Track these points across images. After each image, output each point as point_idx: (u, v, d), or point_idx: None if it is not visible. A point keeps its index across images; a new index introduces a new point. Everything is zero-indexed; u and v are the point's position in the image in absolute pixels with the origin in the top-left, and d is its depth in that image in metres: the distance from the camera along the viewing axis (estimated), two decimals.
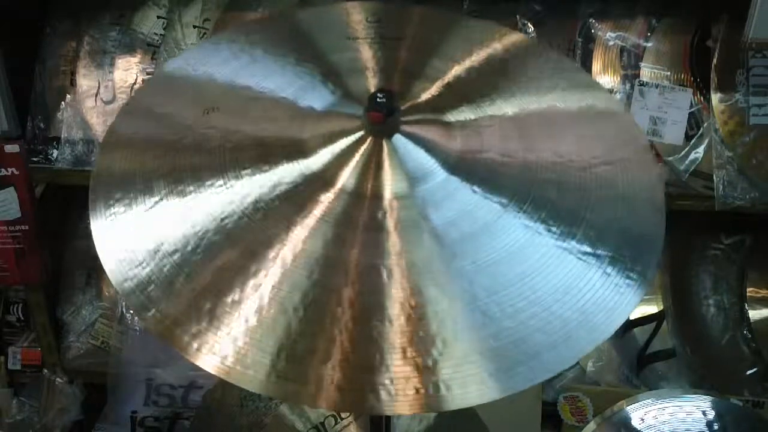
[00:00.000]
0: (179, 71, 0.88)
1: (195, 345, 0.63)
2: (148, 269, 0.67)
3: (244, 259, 0.67)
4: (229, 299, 0.65)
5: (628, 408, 1.29)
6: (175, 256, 0.67)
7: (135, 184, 0.73)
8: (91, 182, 0.74)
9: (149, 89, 0.90)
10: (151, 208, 0.71)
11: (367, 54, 0.87)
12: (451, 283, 0.65)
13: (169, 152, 0.76)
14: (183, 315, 0.64)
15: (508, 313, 0.64)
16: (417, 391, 0.60)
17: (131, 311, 1.43)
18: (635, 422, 1.27)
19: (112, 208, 0.71)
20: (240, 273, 0.66)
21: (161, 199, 0.71)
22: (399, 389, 0.60)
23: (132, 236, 0.69)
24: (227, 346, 0.62)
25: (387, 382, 0.61)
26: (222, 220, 0.69)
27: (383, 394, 0.60)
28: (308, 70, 0.85)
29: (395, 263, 0.66)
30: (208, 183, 0.72)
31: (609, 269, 0.68)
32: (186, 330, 0.63)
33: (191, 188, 0.72)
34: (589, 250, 0.69)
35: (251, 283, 0.65)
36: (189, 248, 0.68)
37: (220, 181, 0.72)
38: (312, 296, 0.64)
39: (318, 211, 0.69)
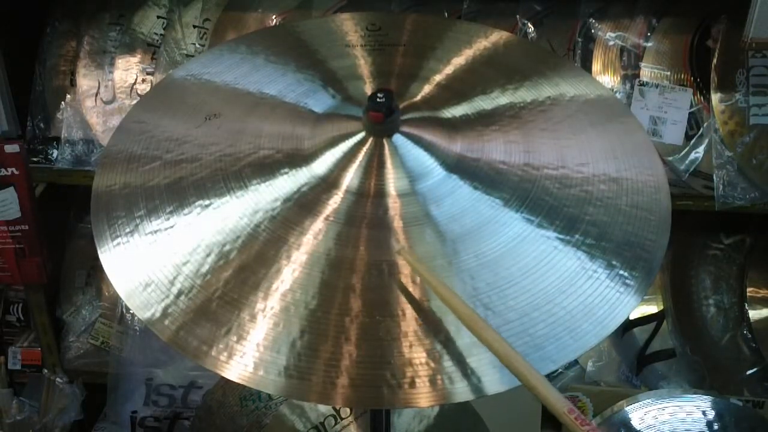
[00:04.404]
0: (180, 82, 0.89)
1: (212, 352, 0.63)
2: (164, 296, 0.67)
3: (256, 265, 0.67)
4: (241, 304, 0.65)
5: (628, 408, 1.29)
6: (186, 267, 0.68)
7: (138, 202, 0.73)
8: (93, 198, 0.74)
9: (149, 101, 0.91)
10: (158, 227, 0.71)
11: (365, 60, 0.88)
12: (454, 278, 0.66)
13: (171, 165, 0.76)
14: (197, 323, 0.65)
15: (510, 306, 0.64)
16: (423, 384, 0.61)
17: (131, 311, 1.43)
18: (635, 422, 1.27)
19: (117, 232, 0.71)
20: (251, 278, 0.66)
21: (168, 217, 0.71)
22: (406, 383, 0.61)
23: (143, 262, 0.69)
24: (242, 350, 0.63)
25: (394, 376, 0.61)
26: (231, 229, 0.70)
27: (390, 389, 0.61)
28: (309, 76, 0.86)
29: (400, 259, 0.67)
30: (213, 194, 0.72)
31: (614, 262, 0.69)
32: (199, 336, 0.64)
33: (197, 201, 0.72)
34: (592, 243, 0.69)
35: (263, 286, 0.66)
36: (199, 259, 0.68)
37: (226, 192, 0.72)
38: (322, 296, 0.65)
39: (325, 213, 0.70)
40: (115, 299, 1.51)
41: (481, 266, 0.67)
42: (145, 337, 1.43)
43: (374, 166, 0.73)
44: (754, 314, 1.38)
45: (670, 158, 1.25)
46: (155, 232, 0.71)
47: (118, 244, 0.70)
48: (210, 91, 0.86)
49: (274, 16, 1.38)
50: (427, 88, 0.84)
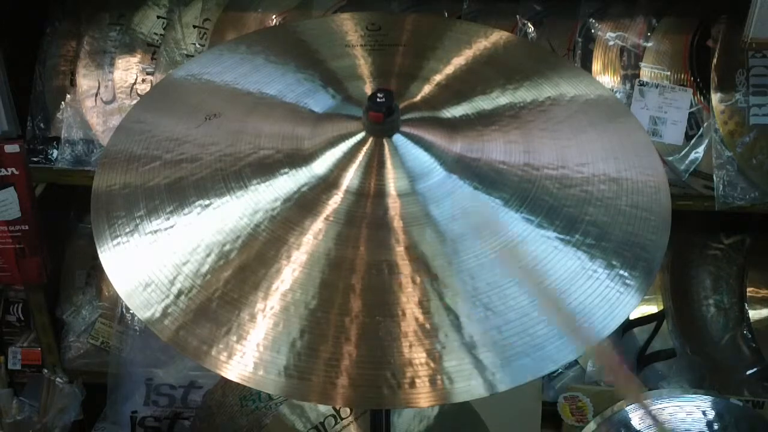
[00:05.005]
0: (180, 82, 0.89)
1: (212, 352, 0.63)
2: (164, 296, 0.67)
3: (256, 265, 0.67)
4: (241, 304, 0.65)
5: (628, 408, 1.29)
6: (186, 267, 0.68)
7: (138, 201, 0.73)
8: (93, 198, 0.74)
9: (149, 101, 0.91)
10: (158, 227, 0.71)
11: (365, 60, 0.88)
12: (454, 278, 0.66)
13: (171, 165, 0.76)
14: (197, 323, 0.65)
15: (510, 306, 0.64)
16: (423, 384, 0.61)
17: (131, 311, 1.43)
18: (635, 422, 1.27)
19: (117, 232, 0.71)
20: (251, 278, 0.66)
21: (168, 217, 0.71)
22: (406, 383, 0.61)
23: (143, 262, 0.69)
24: (242, 350, 0.63)
25: (394, 376, 0.61)
26: (231, 229, 0.69)
27: (391, 389, 0.61)
28: (309, 76, 0.86)
29: (400, 259, 0.67)
30: (213, 194, 0.72)
31: (614, 262, 0.69)
32: (199, 336, 0.64)
33: (197, 201, 0.72)
34: (592, 243, 0.69)
35: (263, 286, 0.66)
36: (199, 259, 0.68)
37: (226, 192, 0.72)
38: (322, 296, 0.65)
39: (325, 213, 0.70)
40: (115, 299, 1.51)
41: (481, 266, 0.67)
42: (145, 337, 1.43)
43: (374, 166, 0.73)
44: (754, 314, 1.38)
45: (670, 158, 1.25)
46: (155, 232, 0.71)
47: (118, 244, 0.70)
48: (210, 91, 0.86)
49: (274, 16, 1.38)
50: (427, 88, 0.84)
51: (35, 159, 1.38)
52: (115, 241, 0.71)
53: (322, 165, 0.74)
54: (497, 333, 0.63)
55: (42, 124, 1.40)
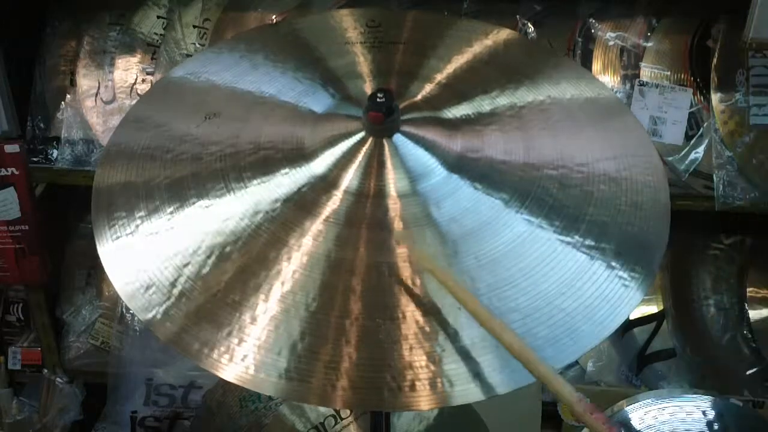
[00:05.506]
0: (179, 81, 0.88)
1: (213, 354, 0.63)
2: (165, 297, 0.66)
3: (256, 266, 0.67)
4: (242, 306, 0.65)
5: (628, 408, 1.29)
6: (187, 269, 0.68)
7: (139, 202, 0.73)
8: (93, 199, 0.74)
9: (149, 100, 0.91)
10: (159, 228, 0.71)
11: (364, 58, 0.88)
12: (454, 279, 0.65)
13: (171, 165, 0.76)
14: (198, 325, 0.65)
15: (511, 308, 0.64)
16: (423, 387, 0.61)
17: (131, 311, 1.43)
18: (635, 422, 1.27)
19: (117, 233, 0.71)
20: (252, 280, 0.66)
21: (168, 218, 0.71)
22: (406, 386, 0.61)
23: (142, 260, 0.69)
24: (241, 351, 0.63)
25: (394, 378, 0.61)
26: (231, 230, 0.69)
27: (391, 391, 0.61)
28: (308, 75, 0.85)
29: (400, 260, 0.67)
30: (214, 195, 0.72)
31: (613, 263, 0.68)
32: (200, 338, 0.64)
33: (197, 201, 0.72)
34: (592, 243, 0.69)
35: (263, 288, 0.66)
36: (200, 260, 0.68)
37: (226, 193, 0.72)
38: (322, 297, 0.65)
39: (324, 213, 0.70)
40: (115, 299, 1.51)
41: (481, 267, 0.66)
42: (145, 337, 1.43)
43: (374, 167, 0.72)
44: (754, 314, 1.38)
45: (670, 158, 1.25)
46: (156, 233, 0.70)
47: (119, 244, 0.70)
48: (209, 90, 0.85)
49: (273, 16, 1.38)
50: (427, 87, 0.84)
51: (35, 159, 1.38)
52: (115, 242, 0.70)
53: (321, 165, 0.73)
54: None
55: (42, 124, 1.40)
